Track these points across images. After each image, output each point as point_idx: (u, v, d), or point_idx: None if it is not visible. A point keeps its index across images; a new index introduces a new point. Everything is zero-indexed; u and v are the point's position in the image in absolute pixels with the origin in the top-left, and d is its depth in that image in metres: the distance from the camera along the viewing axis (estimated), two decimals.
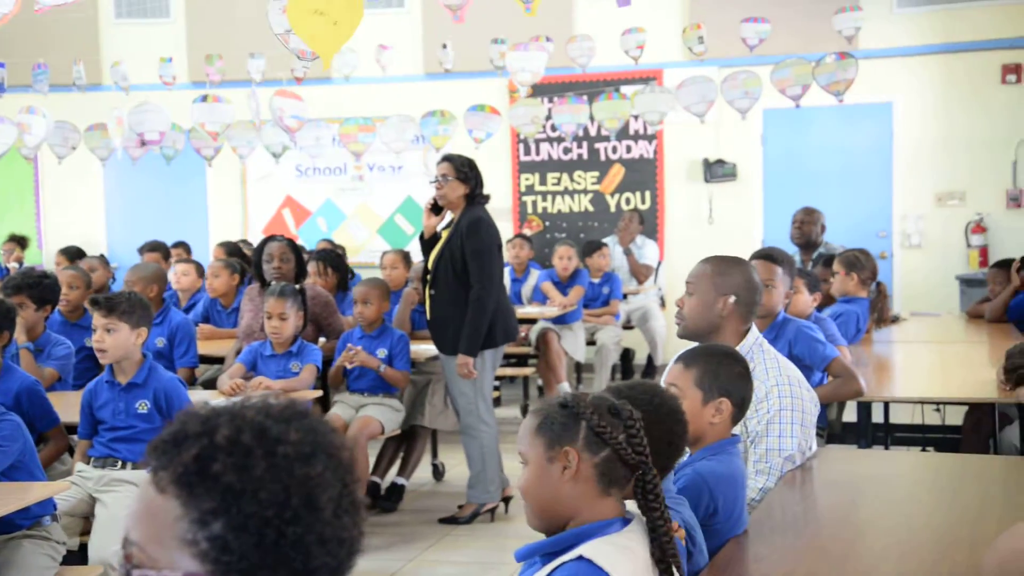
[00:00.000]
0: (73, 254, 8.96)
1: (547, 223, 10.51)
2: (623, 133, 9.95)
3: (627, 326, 9.15)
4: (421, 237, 5.59)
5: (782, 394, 3.18)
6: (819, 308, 5.26)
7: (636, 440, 2.02)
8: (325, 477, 1.18)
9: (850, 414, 4.89)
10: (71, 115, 8.90)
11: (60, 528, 3.65)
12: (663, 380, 2.84)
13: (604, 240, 9.10)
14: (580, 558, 1.92)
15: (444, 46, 8.83)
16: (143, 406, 4.12)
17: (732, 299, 3.32)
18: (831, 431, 5.12)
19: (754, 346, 3.31)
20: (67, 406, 4.37)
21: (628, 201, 10.30)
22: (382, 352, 5.63)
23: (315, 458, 1.18)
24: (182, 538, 1.14)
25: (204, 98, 7.89)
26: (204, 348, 6.22)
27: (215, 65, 9.08)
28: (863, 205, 9.82)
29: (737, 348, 3.12)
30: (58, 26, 9.94)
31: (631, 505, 2.06)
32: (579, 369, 8.61)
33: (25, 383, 4.14)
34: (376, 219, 10.83)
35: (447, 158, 5.50)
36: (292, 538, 1.14)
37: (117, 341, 4.09)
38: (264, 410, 1.20)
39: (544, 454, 2.01)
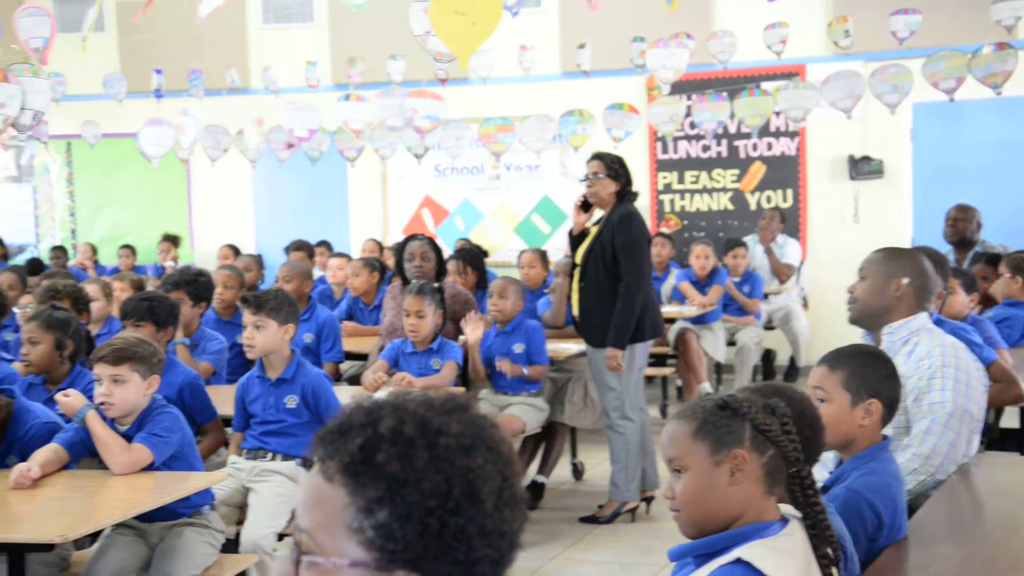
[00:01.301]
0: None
1: (685, 222, 10.38)
2: (764, 130, 9.76)
3: (768, 327, 8.98)
4: (570, 234, 5.63)
5: (945, 353, 3.17)
6: (978, 309, 5.06)
7: (792, 436, 1.98)
8: (486, 469, 1.19)
9: (1010, 419, 4.68)
10: (223, 118, 9.22)
11: (218, 516, 3.78)
12: (808, 384, 2.77)
13: (744, 239, 8.94)
14: (738, 561, 1.89)
15: (582, 46, 8.80)
16: (292, 401, 4.23)
17: (905, 280, 3.32)
18: (990, 437, 4.92)
19: (922, 328, 3.29)
20: (221, 400, 4.52)
21: (769, 199, 10.10)
22: (519, 347, 5.66)
23: (476, 450, 1.19)
24: (349, 526, 1.16)
25: (347, 97, 8.07)
26: (348, 345, 6.36)
27: (357, 67, 9.26)
28: (1020, 203, 9.40)
29: (904, 324, 3.17)
30: (210, 33, 10.30)
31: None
32: (719, 370, 8.49)
33: (188, 377, 4.30)
34: (513, 218, 10.89)
35: (597, 156, 5.51)
36: (454, 529, 1.16)
37: (266, 337, 4.22)
38: (426, 403, 1.22)
39: (709, 458, 1.97)
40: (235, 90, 9.84)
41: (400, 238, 9.19)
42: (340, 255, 8.01)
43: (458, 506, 1.16)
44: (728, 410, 1.98)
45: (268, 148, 9.00)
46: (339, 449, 1.19)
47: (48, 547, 3.04)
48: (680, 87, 8.97)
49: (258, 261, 8.27)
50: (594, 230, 5.47)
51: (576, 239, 5.56)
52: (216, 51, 10.61)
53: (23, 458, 3.50)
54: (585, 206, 5.55)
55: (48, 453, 3.44)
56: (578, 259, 5.50)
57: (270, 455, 4.23)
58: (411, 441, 1.17)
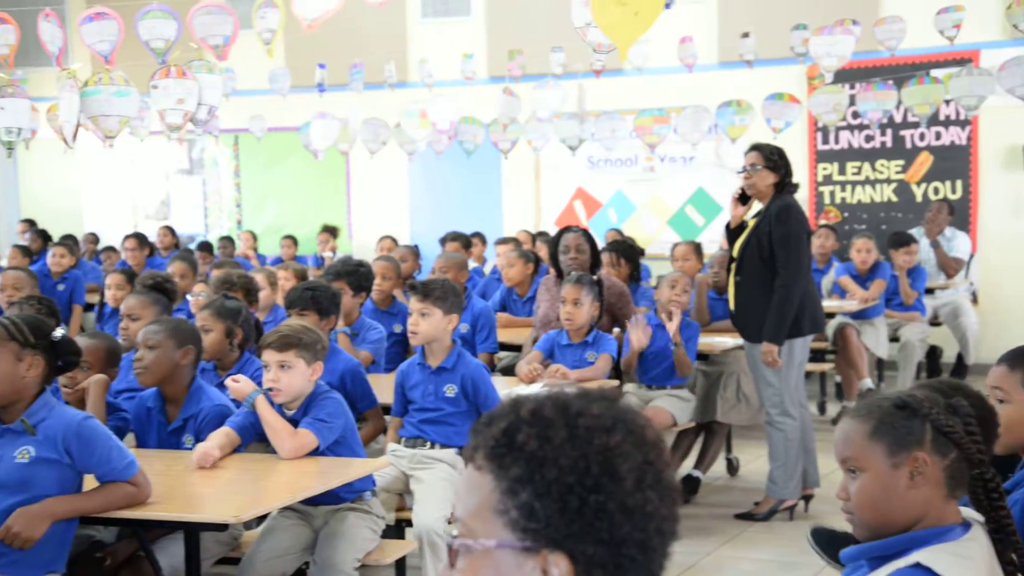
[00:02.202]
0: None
1: (845, 214, 10.07)
2: (933, 119, 9.36)
3: (934, 322, 8.63)
4: (727, 226, 5.53)
5: None
6: None
7: (976, 437, 1.89)
8: (624, 448, 1.20)
9: None
10: (382, 112, 9.41)
11: (379, 502, 3.86)
12: (986, 384, 2.64)
13: (910, 231, 8.61)
14: (917, 566, 1.81)
15: (746, 35, 8.62)
16: (451, 390, 4.28)
17: None
18: None
19: None
20: (379, 389, 4.60)
21: (936, 191, 9.70)
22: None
23: (615, 430, 1.20)
24: (495, 508, 1.19)
25: (505, 91, 8.13)
26: (502, 336, 6.40)
27: (516, 60, 9.31)
28: None
29: None
30: (371, 28, 10.54)
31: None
32: (880, 367, 8.21)
33: (349, 365, 4.41)
34: (666, 210, 10.77)
35: (756, 147, 5.39)
36: (594, 506, 1.17)
37: (430, 325, 4.27)
38: (571, 392, 1.25)
39: (886, 460, 1.89)
40: (393, 84, 10.03)
41: (552, 230, 9.23)
42: (506, 241, 8.03)
43: (597, 483, 1.17)
44: (907, 410, 1.90)
45: (424, 140, 9.15)
46: (485, 437, 1.23)
47: (222, 527, 3.16)
48: (843, 75, 8.69)
49: (414, 252, 8.41)
50: (752, 223, 5.36)
51: (733, 232, 5.46)
52: (376, 45, 10.84)
53: (197, 437, 3.66)
54: (743, 198, 5.43)
55: (222, 436, 3.57)
56: (734, 252, 5.40)
57: (428, 444, 4.29)
58: (550, 421, 1.20)
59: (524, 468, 1.18)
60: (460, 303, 4.41)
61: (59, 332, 3.07)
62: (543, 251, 7.90)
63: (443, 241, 9.56)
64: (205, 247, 10.76)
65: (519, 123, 8.69)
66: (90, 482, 3.08)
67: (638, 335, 5.44)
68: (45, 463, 2.94)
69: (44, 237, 11.40)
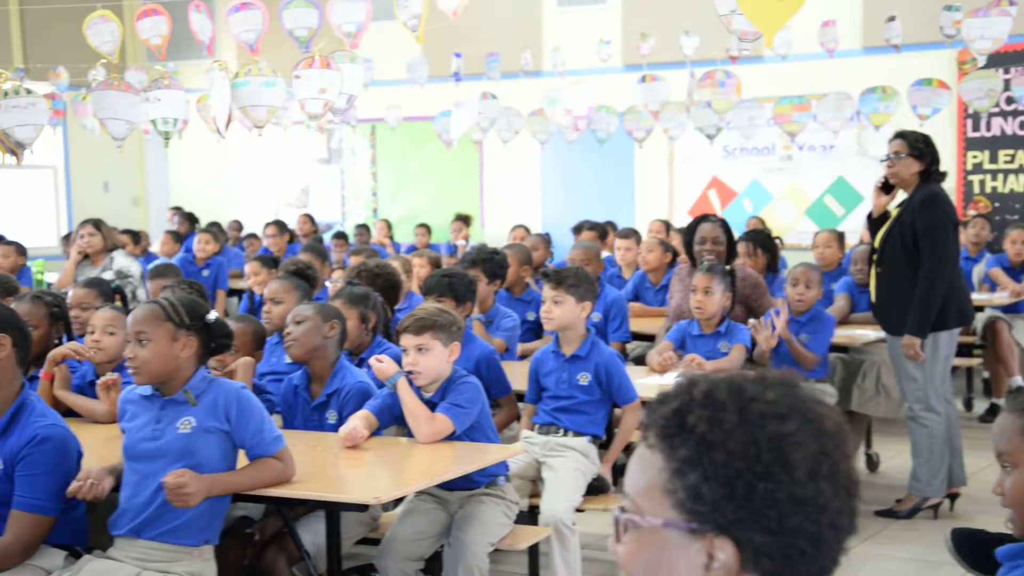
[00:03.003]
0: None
1: (996, 204, 9.66)
2: None
3: None
4: (869, 216, 5.37)
5: None
6: None
7: None
8: (798, 437, 1.17)
9: None
10: (515, 100, 9.45)
11: (513, 488, 3.88)
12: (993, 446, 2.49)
13: None
14: None
15: (892, 18, 8.34)
16: (584, 378, 4.27)
17: None
18: None
19: None
20: (512, 376, 4.62)
21: None
22: (804, 338, 5.48)
23: (790, 418, 1.18)
24: (664, 488, 1.19)
25: (643, 79, 8.05)
26: (634, 325, 6.36)
27: (649, 42, 9.21)
28: None
29: None
30: (507, 16, 10.58)
31: None
32: None
33: (484, 351, 4.45)
34: (804, 199, 10.53)
35: (900, 135, 5.22)
36: (763, 493, 1.15)
37: (563, 312, 4.28)
38: (747, 375, 1.24)
39: None
40: (528, 72, 10.05)
41: (686, 219, 9.11)
42: (628, 235, 7.98)
43: (767, 471, 1.16)
44: None
45: (557, 129, 9.15)
46: (658, 416, 1.23)
47: (362, 507, 3.23)
48: (996, 59, 8.33)
49: (546, 240, 8.43)
50: (895, 212, 5.19)
51: (875, 222, 5.30)
52: (512, 34, 10.88)
53: (340, 413, 3.77)
54: (886, 187, 5.26)
55: (364, 419, 3.65)
56: (876, 243, 5.24)
57: (561, 431, 4.30)
58: (722, 404, 1.19)
59: (693, 450, 1.18)
60: (593, 291, 4.40)
61: (213, 315, 3.18)
62: (675, 241, 7.81)
63: (576, 230, 9.55)
64: (340, 236, 11.00)
65: (660, 109, 8.60)
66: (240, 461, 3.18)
67: (765, 336, 5.33)
68: (206, 432, 3.06)
69: (191, 220, 11.87)
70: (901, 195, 5.25)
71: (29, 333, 3.28)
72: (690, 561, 1.17)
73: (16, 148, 5.51)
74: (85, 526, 3.21)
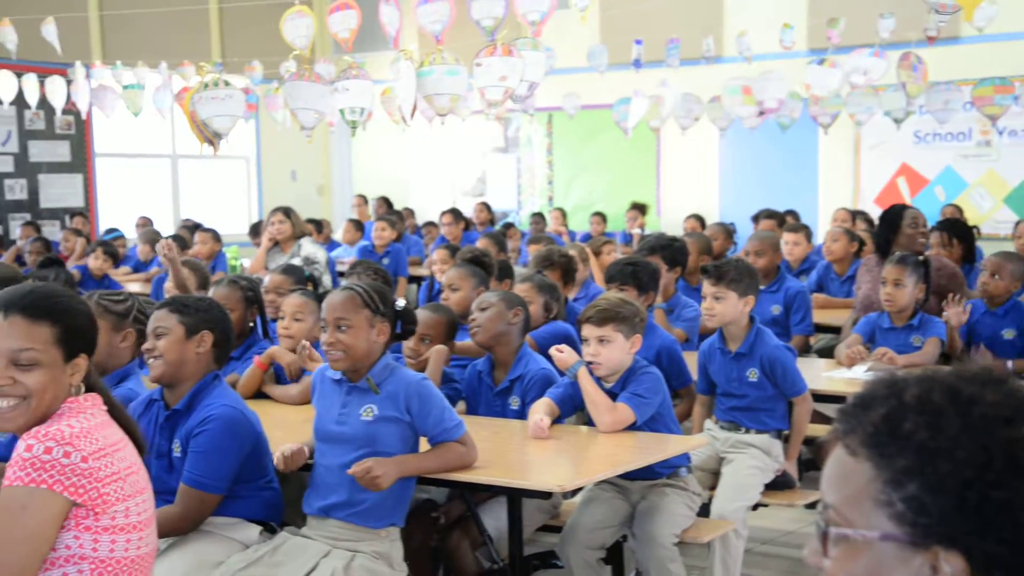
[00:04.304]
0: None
1: None
2: None
3: None
4: None
5: None
6: None
7: None
8: None
9: None
10: (696, 87, 9.29)
11: (695, 480, 3.82)
12: None
13: None
14: None
15: None
16: (752, 374, 4.16)
17: None
18: None
19: None
20: (694, 366, 4.53)
21: None
22: (1009, 333, 5.17)
23: (1017, 421, 1.11)
24: (876, 499, 1.13)
25: (820, 62, 7.79)
26: (818, 317, 6.16)
27: (838, 28, 8.90)
28: None
29: None
30: (688, 2, 10.42)
31: None
32: None
33: (665, 341, 4.39)
34: (1003, 187, 9.97)
35: None
36: (997, 503, 1.08)
37: (725, 308, 4.16)
38: (955, 373, 1.16)
39: None
40: (709, 58, 9.87)
41: (872, 208, 8.78)
42: (797, 229, 7.71)
43: (999, 479, 1.08)
44: None
45: (737, 116, 8.95)
46: (861, 422, 1.15)
47: (546, 495, 3.23)
48: None
49: (726, 230, 8.25)
50: None
51: None
52: (693, 19, 10.71)
53: (523, 399, 3.80)
54: None
55: (547, 407, 3.66)
56: None
57: (743, 429, 4.21)
58: (940, 409, 1.12)
59: (912, 459, 1.11)
60: (756, 284, 4.26)
61: (401, 302, 3.25)
62: (858, 228, 7.54)
63: (756, 219, 9.33)
64: (509, 226, 11.10)
65: (840, 96, 8.30)
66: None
67: (956, 312, 5.05)
68: (386, 420, 3.12)
69: (389, 205, 12.26)
70: None
71: (231, 332, 3.38)
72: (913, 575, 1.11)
73: (213, 138, 5.77)
74: (280, 502, 3.32)
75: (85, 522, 2.08)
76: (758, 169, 11.33)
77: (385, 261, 8.93)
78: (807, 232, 7.51)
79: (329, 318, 3.15)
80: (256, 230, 10.36)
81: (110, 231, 10.70)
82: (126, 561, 2.15)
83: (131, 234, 10.92)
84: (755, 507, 4.16)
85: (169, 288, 5.57)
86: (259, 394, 4.16)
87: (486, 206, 12.07)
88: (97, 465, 2.09)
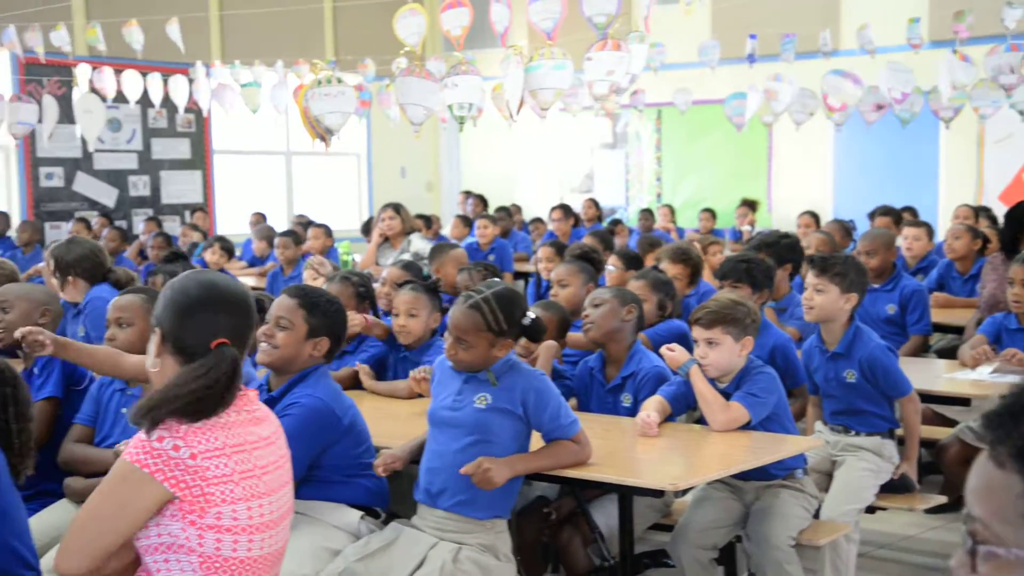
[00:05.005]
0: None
1: None
2: None
3: None
4: None
5: None
6: None
7: None
8: None
9: None
10: (811, 82, 9.10)
11: (811, 481, 3.74)
12: None
13: None
14: None
15: None
16: (850, 375, 4.05)
17: None
18: None
19: None
20: None
21: None
22: None
23: None
24: None
25: (954, 52, 7.54)
26: (938, 316, 5.98)
27: (965, 22, 8.61)
28: None
29: None
30: None
31: None
32: None
33: (780, 339, 4.31)
34: None
35: None
36: None
37: (825, 302, 4.06)
38: None
39: None
40: (826, 52, 9.65)
41: (996, 205, 8.47)
42: (918, 223, 7.47)
43: None
44: None
45: (855, 111, 8.72)
46: (1011, 433, 1.09)
47: (658, 493, 3.20)
48: None
49: (844, 227, 8.05)
50: None
51: None
52: (808, 13, 10.50)
53: (635, 397, 3.78)
54: None
55: (657, 405, 3.62)
56: None
57: (852, 432, 4.11)
58: None
59: None
60: (863, 282, 4.13)
61: (530, 317, 3.18)
62: (981, 226, 7.27)
63: (871, 216, 9.09)
64: (616, 223, 11.04)
65: (964, 90, 8.03)
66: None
67: None
68: (499, 412, 3.11)
69: (484, 203, 12.33)
70: None
71: (344, 337, 3.44)
72: None
73: (325, 134, 5.87)
74: (382, 489, 3.35)
75: (190, 516, 2.09)
76: (875, 165, 11.04)
77: (491, 258, 8.97)
78: (928, 229, 7.27)
79: (452, 331, 3.14)
80: (368, 226, 10.51)
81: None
82: (235, 561, 2.13)
83: (244, 230, 11.19)
84: (872, 510, 4.06)
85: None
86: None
87: (594, 202, 12.03)
88: (206, 464, 2.09)
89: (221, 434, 2.14)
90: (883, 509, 4.12)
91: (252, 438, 2.20)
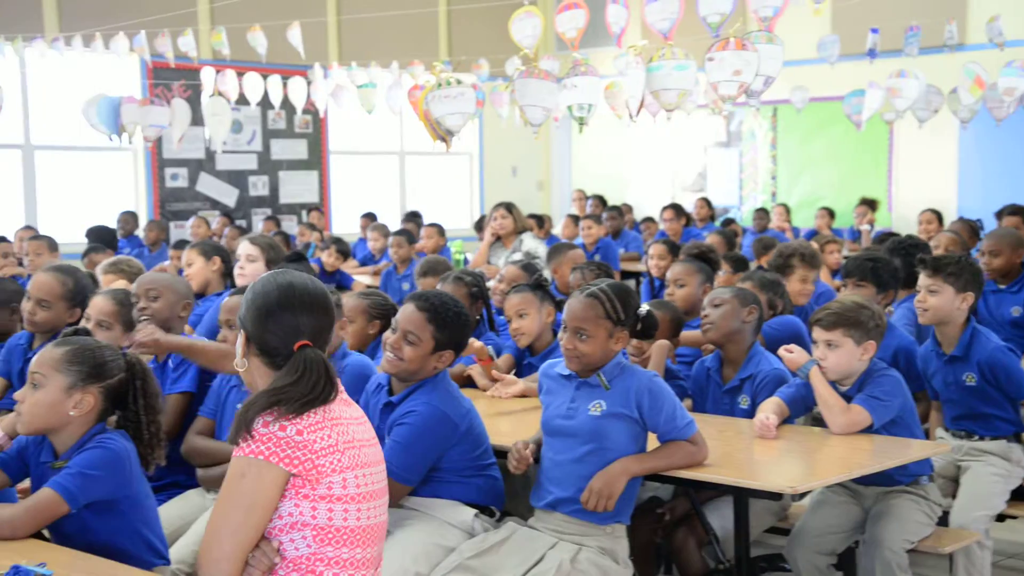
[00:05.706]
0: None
1: None
2: None
3: None
4: None
5: None
6: None
7: None
8: None
9: None
10: (936, 77, 8.83)
11: (936, 488, 3.64)
12: None
13: None
14: None
15: None
16: (970, 378, 3.94)
17: None
18: None
19: None
20: None
21: None
22: None
23: None
24: None
25: None
26: None
27: None
28: None
29: None
30: None
31: None
32: None
33: (903, 342, 4.21)
34: None
35: None
36: None
37: (939, 303, 3.95)
38: None
39: None
40: (952, 46, 9.35)
41: None
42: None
43: None
44: None
45: (983, 108, 8.43)
46: None
47: (776, 495, 3.16)
48: None
49: (971, 227, 7.79)
50: None
51: None
52: (933, 5, 10.19)
53: (753, 399, 3.74)
54: None
55: (775, 406, 3.57)
56: None
57: (976, 436, 3.98)
58: None
59: None
60: (979, 281, 4.01)
61: (644, 308, 3.21)
62: None
63: (999, 215, 8.79)
64: (730, 222, 10.88)
65: None
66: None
67: None
68: (615, 417, 3.10)
69: (603, 203, 12.32)
70: None
71: (466, 346, 3.51)
72: None
73: (446, 135, 5.93)
74: (498, 489, 3.37)
75: (303, 491, 2.18)
76: (1005, 163, 10.65)
77: (596, 257, 8.96)
78: None
79: (569, 324, 3.14)
80: (481, 225, 10.60)
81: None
82: (346, 530, 2.22)
83: (358, 230, 11.37)
84: (1001, 518, 3.93)
85: None
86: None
87: (706, 201, 11.90)
88: (312, 437, 2.18)
89: (320, 410, 2.22)
90: (1013, 518, 3.98)
91: (347, 415, 2.28)
